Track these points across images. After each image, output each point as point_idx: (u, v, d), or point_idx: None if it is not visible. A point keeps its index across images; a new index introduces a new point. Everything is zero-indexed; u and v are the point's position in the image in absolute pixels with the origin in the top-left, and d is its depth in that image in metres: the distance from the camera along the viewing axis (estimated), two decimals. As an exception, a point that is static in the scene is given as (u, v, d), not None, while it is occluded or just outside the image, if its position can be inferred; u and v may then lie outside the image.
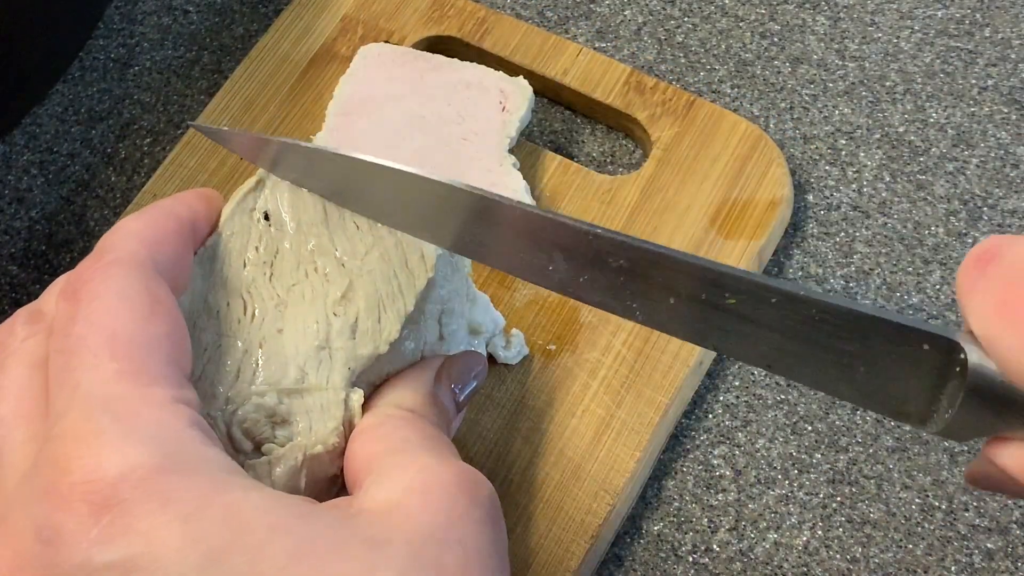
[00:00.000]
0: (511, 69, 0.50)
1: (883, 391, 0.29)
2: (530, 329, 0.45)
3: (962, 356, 0.26)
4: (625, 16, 0.55)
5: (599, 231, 0.30)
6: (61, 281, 0.33)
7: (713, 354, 0.45)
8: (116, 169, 0.51)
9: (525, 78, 0.48)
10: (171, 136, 0.52)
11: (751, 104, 0.52)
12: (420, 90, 0.48)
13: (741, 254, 0.46)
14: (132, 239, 0.32)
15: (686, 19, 0.55)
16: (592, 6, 0.55)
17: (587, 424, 0.43)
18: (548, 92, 0.51)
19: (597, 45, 0.54)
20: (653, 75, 0.53)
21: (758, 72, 0.53)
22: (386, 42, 0.51)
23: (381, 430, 0.33)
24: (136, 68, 0.54)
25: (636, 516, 0.43)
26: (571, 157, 0.50)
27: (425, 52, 0.49)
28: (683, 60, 0.53)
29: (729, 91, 0.52)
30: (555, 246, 0.31)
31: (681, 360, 0.44)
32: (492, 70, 0.48)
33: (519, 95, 0.47)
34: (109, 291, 0.30)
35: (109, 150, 0.52)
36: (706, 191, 0.47)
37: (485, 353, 0.41)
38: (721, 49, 0.54)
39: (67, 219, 0.50)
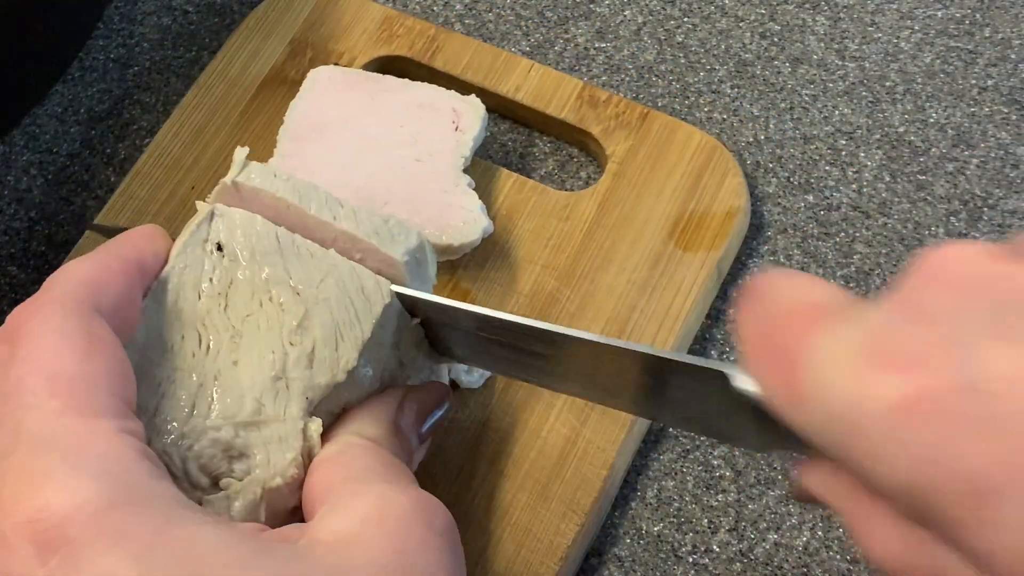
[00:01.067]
0: (463, 87, 0.49)
1: (692, 417, 0.33)
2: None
3: (732, 384, 0.28)
4: (625, 16, 0.55)
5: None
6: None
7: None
8: (116, 169, 0.51)
9: (477, 96, 0.48)
10: (171, 136, 0.52)
11: (751, 104, 0.52)
12: (372, 112, 0.47)
13: (700, 265, 0.46)
14: (71, 280, 0.32)
15: (686, 19, 0.55)
16: (592, 6, 0.55)
17: (552, 444, 0.42)
18: (501, 109, 0.51)
19: (597, 45, 0.54)
20: (653, 75, 0.53)
21: (758, 72, 0.53)
22: (336, 64, 0.50)
23: (340, 459, 0.33)
24: (136, 68, 0.54)
25: (636, 517, 0.43)
26: (527, 174, 0.50)
27: (375, 73, 0.49)
28: (683, 60, 0.53)
29: (729, 91, 0.52)
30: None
31: None
32: (444, 89, 0.47)
33: (472, 114, 0.47)
34: (45, 330, 0.30)
35: (109, 150, 0.52)
36: (663, 204, 0.47)
37: (448, 379, 0.41)
38: (721, 49, 0.54)
39: (67, 219, 0.50)
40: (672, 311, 0.45)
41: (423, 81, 0.48)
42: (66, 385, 0.29)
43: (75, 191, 0.51)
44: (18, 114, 0.53)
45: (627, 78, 0.53)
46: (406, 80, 0.48)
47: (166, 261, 0.35)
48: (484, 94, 0.49)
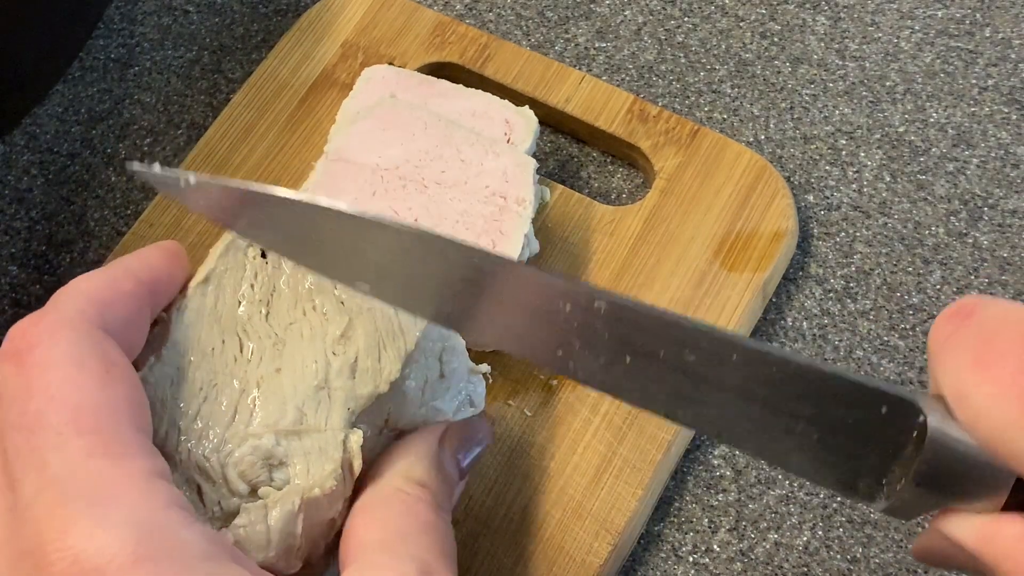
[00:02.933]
0: (513, 96, 0.49)
1: (834, 461, 0.28)
2: (532, 364, 0.44)
3: (921, 419, 0.26)
4: (625, 16, 0.55)
5: (555, 279, 0.28)
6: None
7: None
8: (116, 169, 0.51)
9: (526, 106, 0.47)
10: (171, 136, 0.52)
11: (751, 104, 0.52)
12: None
13: (745, 287, 0.45)
14: (81, 298, 0.31)
15: (686, 19, 0.55)
16: (592, 6, 0.55)
17: (588, 461, 0.42)
18: (550, 120, 0.51)
19: (597, 45, 0.54)
20: (653, 75, 0.53)
21: (758, 72, 0.53)
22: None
23: (379, 513, 0.32)
24: (136, 68, 0.54)
25: (636, 516, 0.43)
26: (573, 187, 0.49)
27: (431, 77, 0.48)
28: (683, 60, 0.53)
29: (729, 91, 0.52)
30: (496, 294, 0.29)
31: None
32: (498, 99, 0.47)
33: (524, 126, 0.46)
34: (61, 357, 0.29)
35: (109, 150, 0.52)
36: (709, 222, 0.47)
37: (485, 390, 0.41)
38: (721, 49, 0.54)
39: (67, 219, 0.50)
40: None
41: (473, 88, 0.48)
42: (90, 420, 0.28)
43: (75, 191, 0.51)
44: (18, 114, 0.53)
45: (627, 78, 0.53)
46: (460, 86, 0.48)
47: (185, 287, 0.35)
48: (533, 104, 0.48)
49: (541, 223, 0.47)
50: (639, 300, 0.28)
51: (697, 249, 0.46)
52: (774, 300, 0.47)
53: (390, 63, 0.50)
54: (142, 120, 0.53)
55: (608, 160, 0.51)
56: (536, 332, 0.29)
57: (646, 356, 0.28)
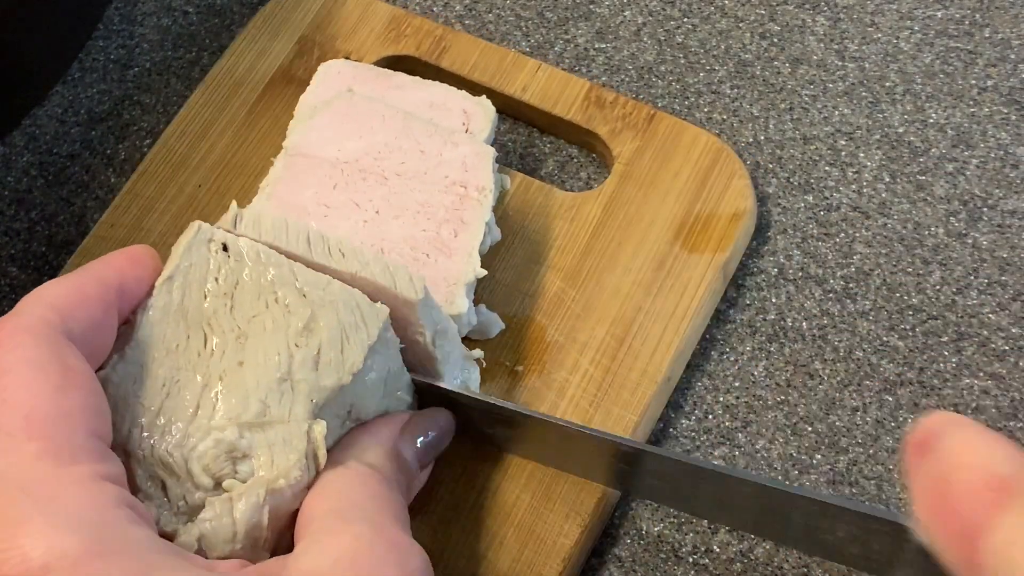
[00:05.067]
0: (470, 87, 0.49)
1: (852, 555, 0.35)
2: (497, 350, 0.44)
3: (914, 535, 0.28)
4: (625, 16, 0.55)
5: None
6: None
7: (680, 369, 0.45)
8: (116, 170, 0.51)
9: (484, 96, 0.47)
10: (171, 137, 0.52)
11: (751, 105, 0.52)
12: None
13: (706, 268, 0.46)
14: (43, 304, 0.31)
15: (686, 19, 0.55)
16: (592, 6, 0.55)
17: None
18: (508, 109, 0.51)
19: (597, 46, 0.54)
20: (653, 76, 0.53)
21: (758, 72, 0.53)
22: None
23: (331, 487, 0.33)
24: (136, 69, 0.54)
25: (636, 517, 0.43)
26: (533, 175, 0.50)
27: (387, 70, 0.48)
28: (683, 60, 0.53)
29: (729, 91, 0.52)
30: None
31: (649, 377, 0.43)
32: (455, 90, 0.47)
33: (482, 115, 0.46)
34: (17, 362, 0.29)
35: (109, 151, 0.52)
36: (669, 205, 0.47)
37: (479, 375, 0.41)
38: (721, 50, 0.54)
39: (67, 220, 0.50)
40: (677, 312, 0.45)
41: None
42: (42, 426, 0.29)
43: (75, 192, 0.51)
44: (18, 114, 0.53)
45: (627, 79, 0.53)
46: (417, 78, 0.48)
47: (151, 284, 0.35)
48: (491, 94, 0.49)
49: (502, 211, 0.47)
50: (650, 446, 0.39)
51: (657, 232, 0.47)
52: (774, 302, 0.47)
53: (346, 58, 0.50)
54: (142, 121, 0.53)
55: (566, 147, 0.51)
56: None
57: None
